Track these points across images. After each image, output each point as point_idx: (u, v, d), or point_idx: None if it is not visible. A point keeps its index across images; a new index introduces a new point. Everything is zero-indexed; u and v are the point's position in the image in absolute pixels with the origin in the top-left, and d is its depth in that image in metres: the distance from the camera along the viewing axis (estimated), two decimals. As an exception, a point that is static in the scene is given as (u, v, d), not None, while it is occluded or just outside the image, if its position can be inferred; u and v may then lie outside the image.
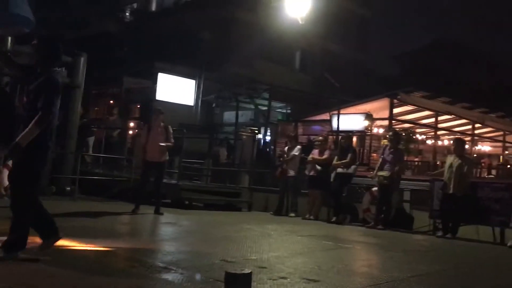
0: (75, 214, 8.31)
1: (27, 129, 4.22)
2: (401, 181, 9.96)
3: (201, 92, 20.91)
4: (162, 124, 9.39)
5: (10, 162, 9.38)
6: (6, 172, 9.27)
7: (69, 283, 3.86)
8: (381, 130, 18.96)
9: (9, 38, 10.18)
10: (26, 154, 4.28)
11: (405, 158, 13.08)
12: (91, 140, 14.00)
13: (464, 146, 9.43)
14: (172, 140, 9.47)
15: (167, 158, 9.64)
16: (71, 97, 11.32)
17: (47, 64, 4.46)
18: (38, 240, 5.28)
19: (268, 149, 19.02)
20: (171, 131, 9.49)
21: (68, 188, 10.94)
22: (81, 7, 28.31)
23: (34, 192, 4.59)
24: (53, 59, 4.52)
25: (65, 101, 11.31)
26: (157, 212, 9.10)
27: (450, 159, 9.01)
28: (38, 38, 4.53)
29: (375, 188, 10.16)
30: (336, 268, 5.19)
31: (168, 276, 4.31)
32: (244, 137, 16.50)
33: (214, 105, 21.75)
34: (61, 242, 5.46)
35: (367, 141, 19.83)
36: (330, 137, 16.52)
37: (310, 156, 10.86)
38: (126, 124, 17.65)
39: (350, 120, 17.68)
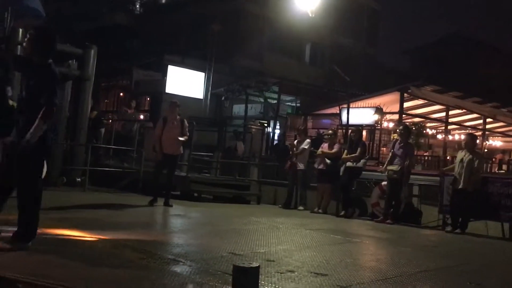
0: (86, 205, 8.38)
1: (35, 124, 4.27)
2: (411, 176, 9.92)
3: (210, 85, 20.93)
4: (178, 117, 9.32)
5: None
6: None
7: (80, 273, 3.89)
8: (391, 124, 18.87)
9: (20, 30, 10.25)
10: (35, 146, 4.33)
11: (415, 152, 13.02)
12: (102, 132, 14.07)
13: (475, 141, 9.37)
14: (188, 134, 9.43)
15: (181, 152, 9.60)
16: (82, 89, 11.36)
17: (43, 55, 4.47)
18: (48, 230, 5.34)
19: (285, 143, 18.98)
20: (187, 124, 9.43)
21: (79, 179, 11.01)
22: (93, 0, 28.38)
23: (41, 182, 4.65)
24: (48, 50, 4.54)
25: (76, 94, 11.41)
26: (167, 204, 9.09)
27: (461, 154, 8.95)
28: (34, 29, 4.56)
29: (384, 182, 10.13)
30: (344, 262, 5.20)
31: (177, 268, 4.34)
32: (253, 130, 16.49)
33: (223, 98, 21.75)
34: (72, 233, 5.52)
35: (377, 135, 19.74)
36: (340, 131, 16.48)
37: (320, 149, 10.84)
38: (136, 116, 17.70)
39: (359, 114, 17.59)
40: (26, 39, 4.54)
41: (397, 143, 9.74)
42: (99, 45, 11.93)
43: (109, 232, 5.71)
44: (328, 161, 10.59)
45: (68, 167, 11.14)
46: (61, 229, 5.65)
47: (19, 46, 10.19)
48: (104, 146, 13.73)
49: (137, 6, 28.84)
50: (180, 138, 9.14)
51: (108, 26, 25.95)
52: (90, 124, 12.07)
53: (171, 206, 9.07)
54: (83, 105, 11.44)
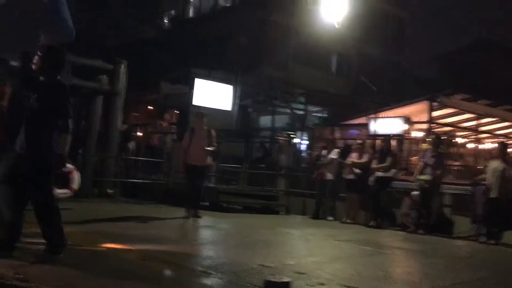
0: (116, 217, 8.49)
1: (63, 139, 4.49)
2: (442, 185, 9.74)
3: (237, 97, 21.03)
4: (205, 127, 9.30)
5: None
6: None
7: (111, 286, 3.94)
8: (419, 134, 18.58)
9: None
10: (43, 159, 4.47)
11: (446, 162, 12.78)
12: (132, 145, 14.27)
13: (507, 149, 9.16)
14: (215, 144, 9.39)
15: (209, 162, 9.56)
16: (112, 103, 11.57)
17: (53, 72, 4.66)
18: (79, 242, 5.43)
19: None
20: (214, 134, 9.40)
21: (110, 191, 11.18)
22: (121, 15, 28.97)
23: (53, 194, 4.78)
24: (58, 67, 4.73)
25: (106, 108, 11.63)
26: (196, 215, 9.09)
27: (493, 163, 8.77)
28: (45, 47, 4.73)
29: (414, 192, 9.98)
30: (376, 275, 5.13)
31: (207, 281, 4.35)
32: (280, 141, 16.48)
33: (250, 109, 21.84)
34: (103, 245, 5.60)
35: (406, 145, 19.47)
36: (368, 141, 16.33)
37: (349, 159, 10.77)
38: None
39: (388, 124, 17.39)
40: (37, 57, 4.68)
41: (428, 152, 9.61)
42: (128, 59, 12.16)
43: (139, 244, 5.77)
44: (357, 171, 10.50)
45: (100, 179, 11.33)
46: (92, 241, 5.74)
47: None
48: (134, 158, 13.93)
49: (165, 20, 29.32)
50: (207, 148, 9.11)
51: (137, 40, 26.44)
52: (120, 138, 12.27)
53: (200, 217, 9.07)
54: (113, 119, 11.65)
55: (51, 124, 4.49)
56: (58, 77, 4.71)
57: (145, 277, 4.32)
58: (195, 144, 9.07)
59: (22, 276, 3.80)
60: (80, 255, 4.96)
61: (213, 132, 9.37)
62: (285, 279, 3.26)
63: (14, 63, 5.35)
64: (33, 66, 4.67)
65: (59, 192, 9.76)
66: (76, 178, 9.99)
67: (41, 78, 4.65)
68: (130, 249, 5.46)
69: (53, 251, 4.50)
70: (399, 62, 28.61)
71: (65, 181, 9.96)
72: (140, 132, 19.40)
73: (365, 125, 17.95)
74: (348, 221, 10.39)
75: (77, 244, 5.47)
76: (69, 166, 9.92)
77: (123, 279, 4.20)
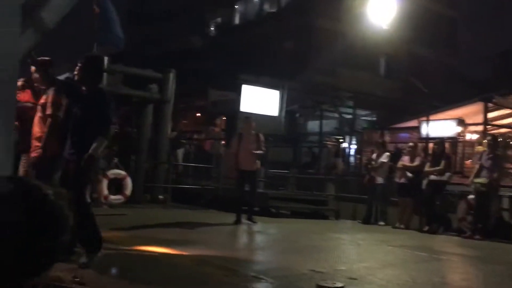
0: (167, 222, 8.62)
1: (98, 141, 4.56)
2: (500, 188, 9.36)
3: (284, 102, 21.02)
4: (253, 132, 9.23)
5: (109, 172, 9.99)
6: (105, 182, 9.86)
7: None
8: (474, 136, 17.96)
9: (105, 58, 10.85)
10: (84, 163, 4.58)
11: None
12: (181, 151, 14.48)
13: None
14: (264, 148, 9.31)
15: (259, 166, 9.49)
16: (162, 111, 11.80)
17: (93, 81, 4.80)
18: (132, 247, 5.54)
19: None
20: (263, 139, 9.28)
21: (161, 197, 11.39)
22: (170, 25, 29.64)
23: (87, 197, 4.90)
24: (98, 76, 4.91)
25: (157, 116, 11.88)
26: (250, 220, 8.95)
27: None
28: (84, 57, 4.85)
29: (471, 196, 9.63)
30: (432, 281, 4.96)
31: (259, 286, 4.34)
32: (329, 146, 16.33)
33: (297, 115, 21.76)
34: (155, 250, 5.69)
35: (459, 148, 18.86)
36: (420, 144, 15.94)
37: (400, 162, 10.53)
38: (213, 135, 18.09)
39: (440, 127, 16.93)
40: (77, 67, 4.82)
41: (484, 154, 9.26)
42: (176, 67, 12.38)
43: (192, 249, 5.83)
44: (409, 174, 10.25)
45: (151, 185, 11.57)
46: (145, 246, 5.84)
47: (104, 74, 10.79)
48: (183, 164, 14.15)
49: (211, 28, 29.75)
50: (255, 152, 9.02)
51: (185, 49, 26.95)
52: (169, 145, 12.48)
53: (255, 222, 8.90)
54: (163, 126, 11.87)
55: (94, 131, 4.63)
56: (99, 86, 4.85)
57: (198, 281, 4.35)
58: (243, 149, 9.02)
59: (79, 279, 3.90)
60: (132, 260, 5.05)
61: (262, 136, 9.30)
62: (338, 284, 3.19)
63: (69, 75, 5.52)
64: (75, 76, 4.84)
65: (113, 198, 10.05)
66: (129, 185, 10.24)
67: (83, 87, 4.80)
68: (183, 254, 5.52)
69: (87, 255, 4.56)
70: (451, 63, 27.81)
71: (118, 188, 10.23)
72: (189, 138, 19.67)
73: (416, 128, 17.54)
74: (401, 226, 10.14)
75: (131, 249, 5.58)
76: (122, 172, 10.20)
77: (177, 284, 4.25)
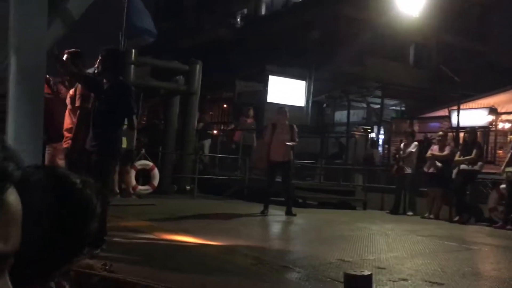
0: (195, 212, 8.71)
1: (129, 135, 4.66)
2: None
3: (311, 93, 20.91)
4: (286, 122, 9.00)
5: (137, 163, 10.13)
6: (133, 173, 10.01)
7: (195, 278, 4.04)
8: (507, 125, 17.53)
9: (133, 51, 10.97)
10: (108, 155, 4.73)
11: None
12: (207, 142, 14.53)
13: None
14: (297, 139, 9.02)
15: (292, 157, 9.17)
16: (189, 103, 11.88)
17: (113, 73, 4.87)
18: (162, 236, 5.61)
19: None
20: (296, 129, 9.04)
21: (188, 187, 11.50)
22: (196, 17, 29.74)
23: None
24: (118, 68, 4.98)
25: (183, 107, 11.97)
26: (289, 213, 8.71)
27: None
28: (104, 51, 4.91)
29: (503, 186, 9.43)
30: (462, 271, 4.89)
31: (287, 275, 4.35)
32: (356, 136, 16.17)
33: (325, 105, 21.60)
34: (185, 239, 5.76)
35: (491, 137, 18.45)
36: (450, 133, 15.66)
37: (429, 152, 10.36)
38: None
39: (471, 116, 16.58)
40: (98, 60, 4.88)
41: (516, 143, 9.03)
42: (202, 59, 12.43)
43: (218, 238, 5.87)
44: (438, 164, 10.08)
45: (178, 176, 11.68)
46: (174, 235, 5.92)
47: (132, 66, 10.93)
48: (209, 155, 14.23)
49: (238, 19, 29.73)
50: (288, 143, 8.81)
51: (211, 40, 27.01)
52: (196, 136, 12.56)
53: (295, 215, 8.67)
54: (190, 118, 11.96)
55: (116, 123, 4.72)
56: (120, 78, 4.91)
57: (227, 270, 4.39)
58: (277, 139, 8.82)
59: (108, 267, 3.98)
60: (163, 249, 5.13)
61: (295, 127, 9.09)
62: (366, 272, 3.16)
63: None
64: (96, 70, 4.91)
65: (141, 188, 10.20)
66: (156, 175, 10.37)
67: (104, 80, 4.87)
68: (210, 244, 5.57)
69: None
70: (482, 50, 27.14)
71: (146, 178, 10.38)
72: (216, 129, 19.75)
73: (446, 117, 17.22)
74: (431, 216, 10.00)
75: (159, 238, 5.66)
76: (150, 163, 10.33)
77: (207, 272, 4.29)
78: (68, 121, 5.25)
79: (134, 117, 4.95)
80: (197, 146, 12.72)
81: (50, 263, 1.02)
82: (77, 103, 5.18)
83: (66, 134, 5.23)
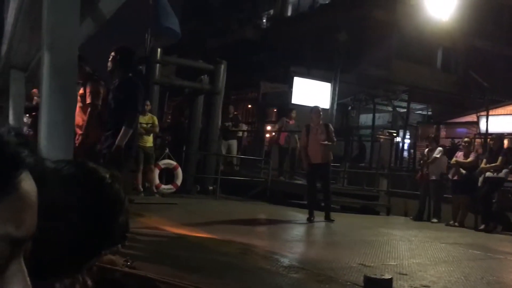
0: (217, 212, 8.74)
1: (122, 131, 4.68)
2: None
3: (336, 95, 20.78)
4: (321, 122, 8.64)
5: (161, 162, 10.22)
6: (157, 171, 10.09)
7: (213, 275, 4.05)
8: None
9: (158, 50, 11.08)
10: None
11: None
12: (234, 143, 14.33)
13: None
14: (335, 139, 8.67)
15: (332, 158, 8.76)
16: (213, 102, 11.93)
17: (124, 70, 4.89)
18: (184, 234, 5.64)
19: None
20: (332, 129, 8.72)
21: (211, 188, 11.54)
22: (222, 17, 29.88)
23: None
24: (128, 65, 4.97)
25: (207, 106, 12.03)
26: (327, 218, 8.44)
27: None
28: (115, 49, 4.94)
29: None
30: (486, 279, 4.79)
31: (305, 277, 4.32)
32: (381, 140, 16.01)
33: (350, 107, 21.46)
34: (205, 238, 5.78)
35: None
36: (478, 140, 15.38)
37: (454, 159, 10.19)
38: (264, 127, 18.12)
39: (500, 122, 16.27)
40: (110, 58, 4.92)
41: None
42: (228, 59, 12.46)
43: (239, 238, 5.87)
44: (463, 171, 9.90)
45: (201, 176, 11.73)
46: (196, 234, 5.95)
47: (157, 65, 11.04)
48: (234, 156, 14.22)
49: (264, 20, 29.74)
50: (323, 142, 8.33)
51: (237, 41, 27.10)
52: (221, 135, 12.56)
53: (333, 220, 8.37)
54: (214, 117, 12.01)
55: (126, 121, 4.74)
56: (130, 75, 4.95)
57: (243, 270, 4.39)
58: (313, 141, 8.44)
59: (130, 263, 4.02)
60: (184, 247, 5.16)
61: (331, 127, 8.76)
62: (386, 276, 3.13)
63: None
64: (107, 68, 4.96)
65: (164, 187, 10.28)
66: (179, 175, 10.44)
67: (115, 78, 4.93)
68: (231, 243, 5.57)
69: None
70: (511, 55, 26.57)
71: (170, 177, 10.45)
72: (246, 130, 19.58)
73: (474, 123, 16.93)
74: (455, 224, 9.83)
75: (181, 237, 5.70)
76: (173, 163, 10.40)
77: (225, 270, 4.31)
78: (78, 119, 5.34)
79: (136, 115, 4.94)
80: (220, 146, 12.72)
81: (80, 256, 1.03)
82: (88, 100, 5.30)
83: (77, 131, 5.33)
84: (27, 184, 0.53)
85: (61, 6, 2.73)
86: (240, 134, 16.00)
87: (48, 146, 2.60)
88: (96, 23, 3.81)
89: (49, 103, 2.69)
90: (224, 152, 13.09)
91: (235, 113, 15.09)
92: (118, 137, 4.68)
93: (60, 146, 2.64)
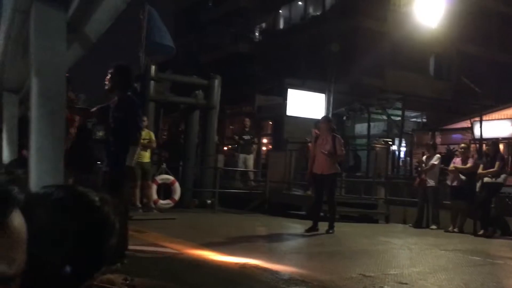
0: (216, 226, 8.71)
1: (130, 150, 4.70)
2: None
3: (331, 106, 20.85)
4: (329, 133, 8.38)
5: (158, 178, 10.20)
6: (154, 187, 10.08)
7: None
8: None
9: (153, 67, 11.13)
10: (121, 173, 4.73)
11: None
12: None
13: None
14: (341, 151, 8.35)
15: (337, 170, 8.55)
16: (208, 117, 11.97)
17: (120, 88, 4.90)
18: (183, 250, 5.62)
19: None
20: (342, 140, 8.51)
21: (209, 201, 11.51)
22: (215, 32, 30.05)
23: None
24: (125, 84, 4.97)
25: (203, 121, 12.06)
26: (331, 228, 8.32)
27: None
28: (114, 67, 4.96)
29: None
30: (486, 286, 4.80)
31: (306, 289, 4.31)
32: (377, 148, 16.03)
33: (345, 117, 21.52)
34: (204, 253, 5.76)
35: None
36: (473, 145, 15.46)
37: (452, 165, 10.21)
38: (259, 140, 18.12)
39: (494, 127, 16.36)
40: (107, 77, 4.93)
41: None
42: (222, 74, 12.52)
43: (237, 252, 5.84)
44: (462, 177, 9.92)
45: (199, 190, 11.72)
46: (195, 250, 5.92)
47: (152, 82, 11.07)
48: (230, 169, 14.21)
49: (256, 33, 29.93)
50: (323, 152, 8.12)
51: (231, 55, 27.25)
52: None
53: (332, 232, 8.26)
54: (210, 132, 12.03)
55: (127, 139, 4.76)
56: (128, 93, 4.97)
57: (242, 284, 4.38)
58: (317, 152, 8.31)
59: (129, 281, 4.00)
60: (185, 264, 5.13)
61: (339, 137, 8.52)
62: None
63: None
64: (105, 87, 4.98)
65: (162, 202, 10.25)
66: (177, 189, 10.42)
67: (113, 96, 4.94)
68: (229, 257, 5.55)
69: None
70: (503, 61, 26.80)
71: (167, 193, 10.43)
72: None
73: (469, 129, 17.01)
74: (455, 230, 9.83)
75: (181, 253, 5.68)
76: (171, 178, 10.39)
77: (223, 286, 4.29)
78: None
79: (138, 133, 4.97)
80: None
81: (71, 279, 1.04)
82: None
83: None
84: (17, 221, 0.54)
85: (47, 32, 2.76)
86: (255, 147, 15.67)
87: (38, 171, 2.62)
88: (83, 47, 3.84)
89: (38, 128, 2.72)
90: (240, 166, 13.02)
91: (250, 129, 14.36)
92: (127, 158, 4.69)
93: (49, 170, 2.66)
